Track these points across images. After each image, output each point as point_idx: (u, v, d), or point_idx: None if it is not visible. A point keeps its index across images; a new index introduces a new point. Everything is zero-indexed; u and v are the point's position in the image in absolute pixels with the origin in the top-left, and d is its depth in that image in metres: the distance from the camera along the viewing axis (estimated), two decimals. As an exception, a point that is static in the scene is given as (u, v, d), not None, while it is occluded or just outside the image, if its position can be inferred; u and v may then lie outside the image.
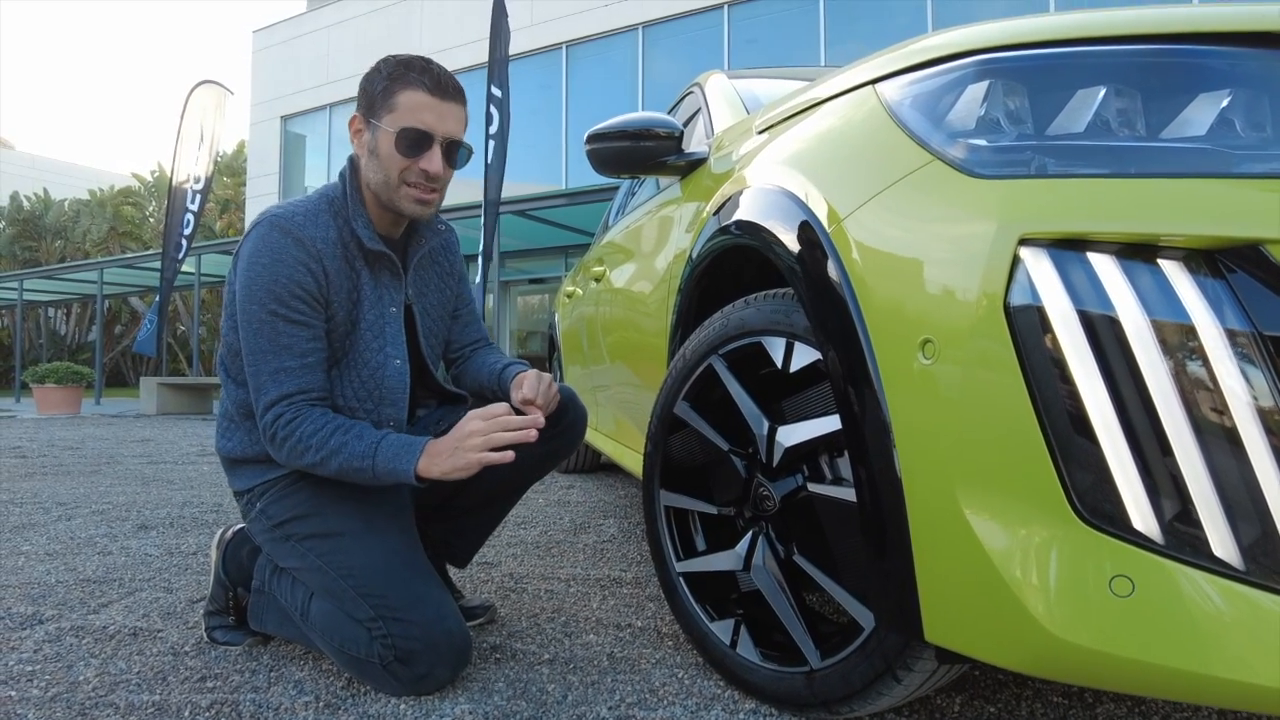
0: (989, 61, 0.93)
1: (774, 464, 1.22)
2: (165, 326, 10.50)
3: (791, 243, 1.09)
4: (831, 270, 0.99)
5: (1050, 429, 0.76)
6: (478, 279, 7.73)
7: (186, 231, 10.25)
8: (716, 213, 1.46)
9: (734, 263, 1.48)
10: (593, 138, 1.97)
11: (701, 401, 1.40)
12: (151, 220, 25.87)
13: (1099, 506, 0.75)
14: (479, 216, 8.05)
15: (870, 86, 1.10)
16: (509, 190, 8.46)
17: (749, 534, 1.29)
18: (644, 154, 1.93)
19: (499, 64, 7.62)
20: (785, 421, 1.21)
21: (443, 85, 1.40)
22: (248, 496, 1.46)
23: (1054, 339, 0.76)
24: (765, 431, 1.22)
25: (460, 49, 14.94)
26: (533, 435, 1.30)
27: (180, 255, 10.24)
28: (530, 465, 1.64)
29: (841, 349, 0.98)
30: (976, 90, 0.93)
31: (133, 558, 2.22)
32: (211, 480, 3.89)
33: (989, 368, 0.79)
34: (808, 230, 1.05)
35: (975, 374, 0.80)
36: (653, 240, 2.09)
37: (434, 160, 1.39)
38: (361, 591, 1.30)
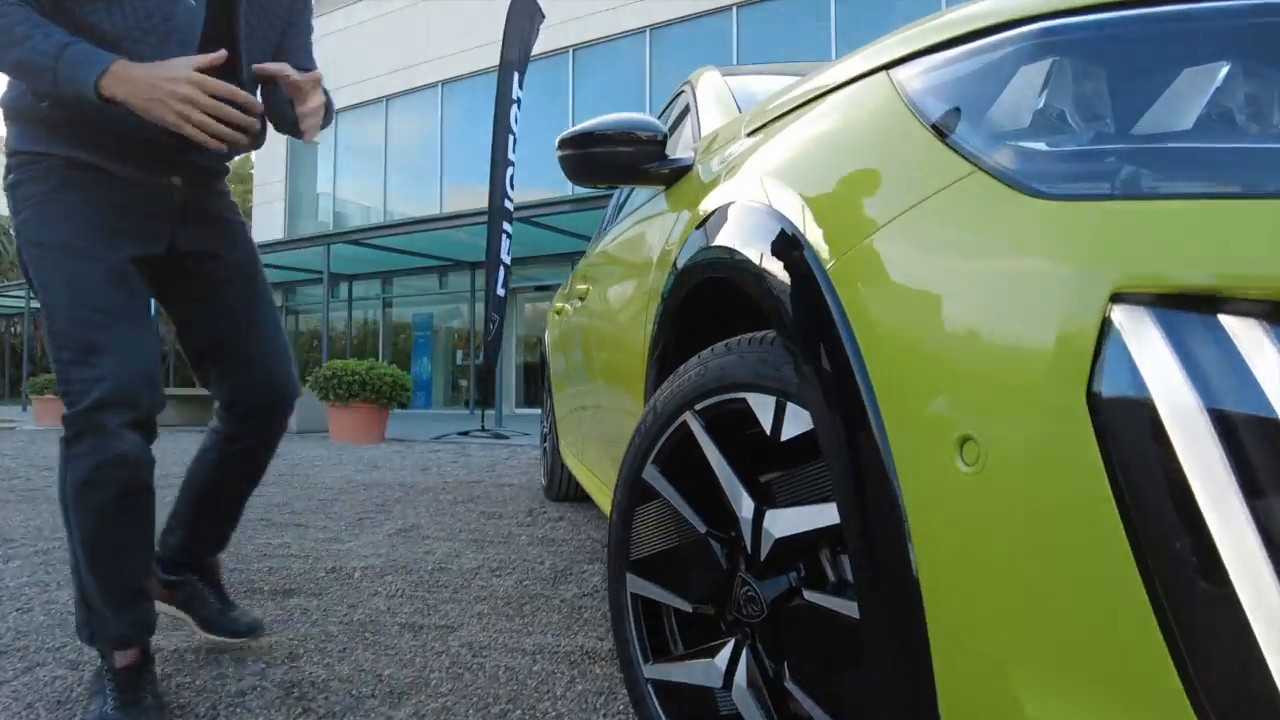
0: (1049, 31, 0.67)
1: (761, 557, 0.95)
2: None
3: (777, 281, 0.82)
4: (829, 322, 0.72)
5: (1163, 590, 0.49)
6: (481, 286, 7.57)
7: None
8: (700, 227, 1.21)
9: (718, 293, 1.21)
10: (565, 142, 1.72)
11: (676, 467, 1.14)
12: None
13: (1244, 712, 0.48)
14: (483, 224, 7.84)
15: (884, 73, 0.83)
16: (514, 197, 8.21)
17: (732, 641, 1.02)
18: (624, 161, 1.68)
19: (522, 63, 7.44)
20: (775, 503, 0.95)
21: None
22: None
23: (1169, 451, 0.49)
24: (750, 515, 0.96)
25: (469, 53, 14.75)
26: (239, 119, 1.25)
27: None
28: (235, 475, 1.63)
29: (843, 430, 0.72)
30: (1033, 73, 0.66)
31: (54, 617, 1.97)
32: (181, 509, 3.64)
33: (1066, 491, 0.52)
34: (800, 265, 0.79)
35: (1044, 498, 0.53)
36: (631, 260, 1.83)
37: None
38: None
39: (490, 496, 4.03)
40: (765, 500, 0.96)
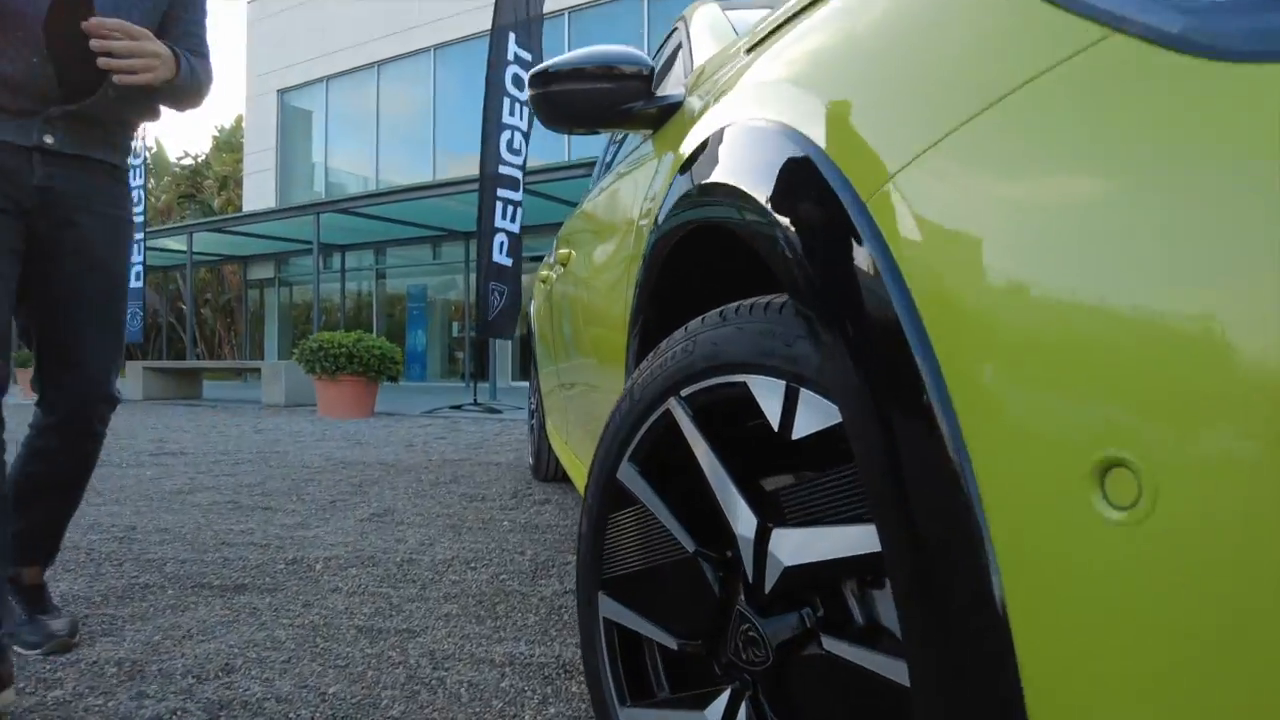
0: None
1: (766, 588, 0.73)
2: (145, 309, 10.13)
3: (788, 223, 0.59)
4: (867, 278, 0.49)
5: None
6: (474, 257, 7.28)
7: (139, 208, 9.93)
8: (686, 168, 0.97)
9: (713, 249, 0.98)
10: (537, 78, 1.47)
11: (657, 466, 0.91)
12: (152, 200, 25.44)
13: None
14: (474, 192, 7.55)
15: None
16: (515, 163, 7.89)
17: (728, 691, 0.80)
18: (604, 100, 1.43)
19: (523, 24, 7.09)
20: (784, 521, 0.73)
21: None
22: None
23: None
24: (751, 534, 0.74)
25: (460, 17, 14.31)
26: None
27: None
28: (38, 478, 1.54)
29: (890, 433, 0.49)
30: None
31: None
32: (146, 491, 3.44)
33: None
34: (824, 196, 0.56)
35: (1269, 576, 0.31)
36: (612, 219, 1.60)
37: None
38: None
39: (474, 477, 3.82)
40: (771, 515, 0.73)
